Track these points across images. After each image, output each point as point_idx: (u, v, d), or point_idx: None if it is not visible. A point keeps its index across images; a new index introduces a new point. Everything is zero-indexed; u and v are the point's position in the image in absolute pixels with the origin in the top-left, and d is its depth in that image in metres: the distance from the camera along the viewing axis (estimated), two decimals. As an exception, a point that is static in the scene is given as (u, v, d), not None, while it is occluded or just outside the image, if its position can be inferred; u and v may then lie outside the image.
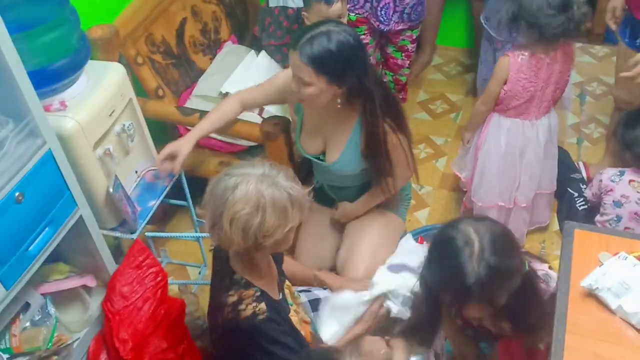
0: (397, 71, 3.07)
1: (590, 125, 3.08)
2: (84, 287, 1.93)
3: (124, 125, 1.99)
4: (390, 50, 2.98)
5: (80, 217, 1.78)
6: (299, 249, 2.34)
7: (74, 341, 1.85)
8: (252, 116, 2.46)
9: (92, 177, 1.87)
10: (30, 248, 1.59)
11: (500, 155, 2.32)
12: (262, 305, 1.58)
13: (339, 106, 1.90)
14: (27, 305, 1.81)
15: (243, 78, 2.55)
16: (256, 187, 1.46)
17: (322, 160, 2.09)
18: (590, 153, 2.90)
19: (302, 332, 1.77)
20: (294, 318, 1.77)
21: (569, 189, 2.47)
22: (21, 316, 1.81)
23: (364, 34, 2.80)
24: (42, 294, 1.87)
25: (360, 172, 2.07)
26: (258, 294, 1.60)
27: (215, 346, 1.91)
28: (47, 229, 1.64)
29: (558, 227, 2.57)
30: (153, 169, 2.20)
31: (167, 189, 2.16)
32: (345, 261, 2.15)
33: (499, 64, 2.17)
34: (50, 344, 1.77)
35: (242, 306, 1.58)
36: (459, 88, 3.43)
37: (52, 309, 1.87)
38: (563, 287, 1.38)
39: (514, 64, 2.11)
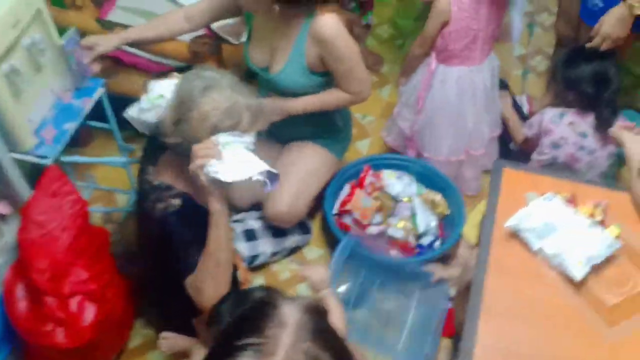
0: None
1: (536, 58, 3.04)
2: (-2, 214, 1.82)
3: (33, 38, 1.80)
4: None
5: (-15, 142, 1.64)
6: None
7: (-16, 272, 1.75)
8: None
9: (-2, 97, 1.70)
10: None
11: (450, 107, 2.24)
12: (177, 201, 1.55)
13: (277, 9, 1.79)
14: None
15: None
16: (229, 92, 1.47)
17: (266, 71, 2.00)
18: (536, 86, 2.87)
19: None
20: None
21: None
22: None
23: None
24: (-51, 222, 1.75)
25: (305, 91, 1.98)
26: (176, 192, 1.56)
27: (146, 269, 1.87)
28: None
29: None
30: (70, 88, 2.04)
31: (87, 110, 2.01)
32: (271, 192, 2.09)
33: (436, 3, 2.06)
34: (-42, 274, 1.67)
35: (159, 204, 1.56)
36: (409, 12, 3.29)
37: (-41, 239, 1.75)
38: (487, 226, 1.36)
39: (455, 1, 2.02)
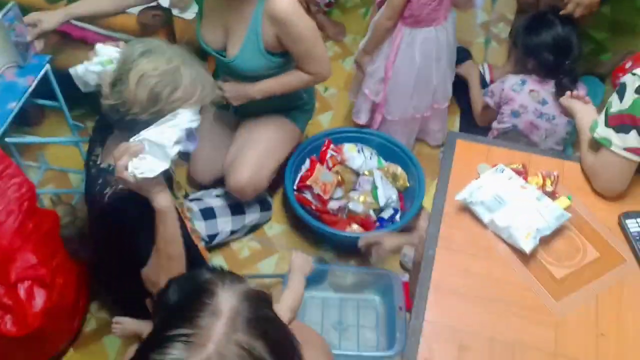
0: None
1: (499, 25, 2.99)
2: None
3: (-30, 13, 1.71)
4: None
5: None
6: (194, 155, 2.22)
7: None
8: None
9: None
10: None
11: (416, 68, 2.20)
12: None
13: None
14: None
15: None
16: (171, 57, 1.39)
17: (223, 56, 1.91)
18: (497, 54, 2.83)
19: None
20: None
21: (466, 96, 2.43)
22: None
23: None
24: None
25: (264, 73, 1.92)
26: None
27: (97, 252, 1.82)
28: None
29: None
30: (13, 65, 1.95)
31: (31, 88, 1.92)
32: (232, 162, 2.05)
33: None
34: None
35: (107, 189, 1.49)
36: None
37: None
38: (438, 200, 1.33)
39: None
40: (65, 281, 1.81)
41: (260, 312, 0.87)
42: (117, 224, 1.49)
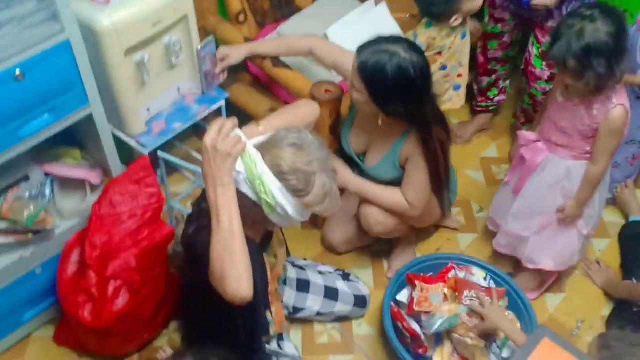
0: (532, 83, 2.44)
1: None
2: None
3: (172, 38, 1.93)
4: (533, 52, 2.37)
5: (91, 114, 1.78)
6: (328, 219, 2.34)
7: (55, 228, 1.90)
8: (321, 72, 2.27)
9: (118, 81, 1.85)
10: (22, 128, 1.61)
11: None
12: None
13: (380, 123, 1.89)
14: (28, 179, 1.89)
15: (350, 27, 2.34)
16: (312, 161, 1.46)
17: (361, 160, 2.09)
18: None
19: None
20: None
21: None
22: (21, 185, 1.89)
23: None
24: (46, 173, 1.93)
25: (391, 180, 2.04)
26: None
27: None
28: (46, 114, 1.66)
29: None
30: (196, 92, 2.15)
31: (200, 117, 2.11)
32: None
33: (616, 117, 1.78)
34: (30, 222, 1.83)
35: (199, 229, 1.57)
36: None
37: (48, 189, 1.93)
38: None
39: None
40: (150, 294, 1.90)
41: None
42: (194, 255, 1.55)
